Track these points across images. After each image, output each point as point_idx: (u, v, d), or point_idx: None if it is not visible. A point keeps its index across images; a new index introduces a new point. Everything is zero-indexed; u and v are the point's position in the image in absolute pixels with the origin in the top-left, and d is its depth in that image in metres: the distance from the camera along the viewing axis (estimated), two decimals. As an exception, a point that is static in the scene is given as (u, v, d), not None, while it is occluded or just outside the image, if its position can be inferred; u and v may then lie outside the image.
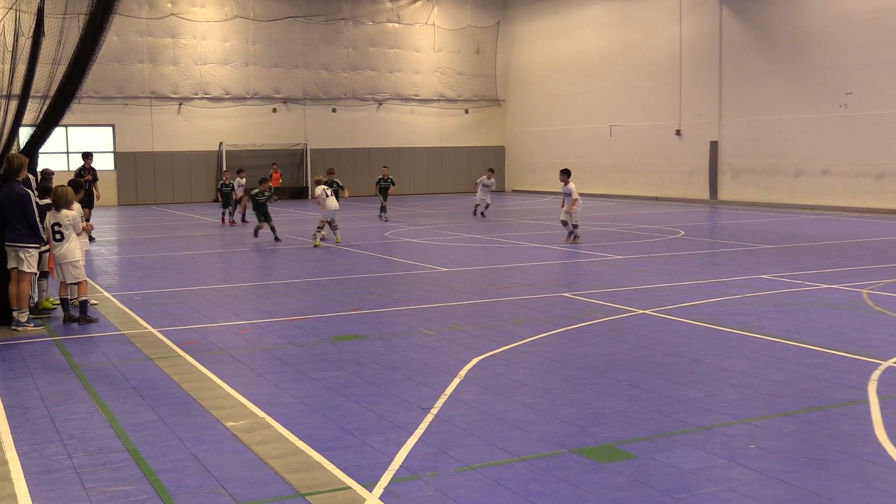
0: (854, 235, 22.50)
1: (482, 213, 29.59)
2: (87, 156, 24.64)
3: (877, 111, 29.65)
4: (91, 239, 23.00)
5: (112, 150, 38.62)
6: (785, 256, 18.33)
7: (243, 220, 28.38)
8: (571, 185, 20.81)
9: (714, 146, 35.64)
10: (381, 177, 29.99)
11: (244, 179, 29.47)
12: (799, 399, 8.11)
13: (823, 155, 31.50)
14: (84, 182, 23.29)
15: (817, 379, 8.77)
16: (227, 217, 28.11)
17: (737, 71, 34.52)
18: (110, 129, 38.78)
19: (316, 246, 20.99)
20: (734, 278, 15.39)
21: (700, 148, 36.13)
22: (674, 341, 10.59)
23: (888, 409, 7.73)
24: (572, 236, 21.00)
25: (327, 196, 21.50)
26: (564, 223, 21.19)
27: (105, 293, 14.74)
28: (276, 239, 21.91)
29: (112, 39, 34.48)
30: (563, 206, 21.24)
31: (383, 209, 29.31)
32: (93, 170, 24.24)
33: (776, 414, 7.67)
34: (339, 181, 24.71)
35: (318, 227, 21.72)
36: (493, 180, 30.40)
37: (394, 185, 30.02)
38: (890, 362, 9.32)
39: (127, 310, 13.16)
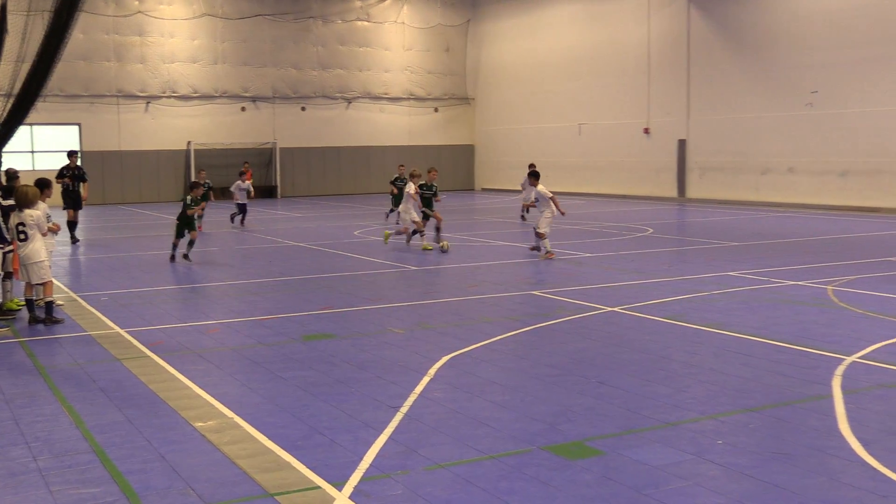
0: (819, 232, 22.72)
1: (522, 217, 27.36)
2: (71, 154, 23.58)
3: (841, 109, 29.95)
4: (75, 241, 22.38)
5: (78, 149, 38.20)
6: (751, 254, 18.47)
7: (242, 223, 26.60)
8: (542, 187, 18.65)
9: (682, 144, 35.86)
10: (396, 176, 27.67)
11: (247, 182, 27.03)
12: (765, 395, 8.18)
13: (789, 153, 31.79)
14: (65, 183, 22.62)
15: (783, 375, 8.86)
16: (200, 221, 25.94)
17: (704, 70, 34.75)
18: (76, 127, 38.43)
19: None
20: (702, 276, 15.49)
21: (668, 146, 36.35)
22: (642, 338, 10.65)
23: (852, 403, 7.81)
24: (545, 251, 18.09)
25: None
26: (541, 234, 18.10)
27: (71, 294, 14.60)
28: (185, 256, 18.50)
29: (78, 37, 34.13)
30: (536, 208, 18.89)
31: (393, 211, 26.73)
32: (79, 168, 23.31)
33: (742, 409, 7.73)
34: (436, 186, 21.12)
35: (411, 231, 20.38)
36: None
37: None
38: (854, 358, 9.43)
39: (94, 310, 13.05)
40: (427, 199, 20.47)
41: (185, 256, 18.41)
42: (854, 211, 29.03)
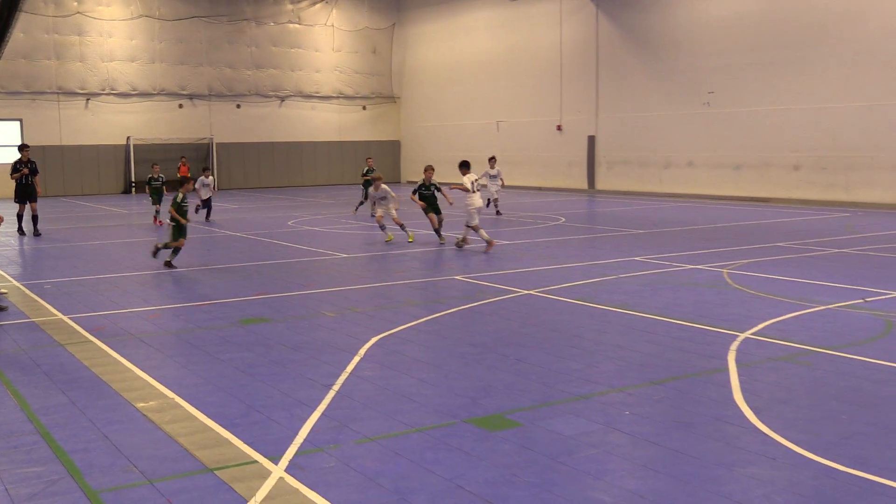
0: (715, 221, 23.17)
1: (497, 211, 25.14)
2: (23, 148, 21.92)
3: (735, 108, 30.58)
4: (36, 233, 21.16)
5: (18, 145, 37.13)
6: (655, 240, 18.76)
7: (207, 217, 24.68)
8: (467, 177, 17.64)
9: (591, 140, 36.24)
10: (367, 168, 26.15)
11: (210, 178, 24.85)
12: (668, 369, 8.33)
13: (689, 148, 32.37)
14: (20, 176, 21.18)
15: (684, 350, 9.03)
16: (159, 216, 23.51)
17: (612, 72, 35.15)
18: (18, 123, 37.32)
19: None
20: (610, 261, 15.68)
21: (579, 142, 36.70)
22: (556, 318, 10.76)
23: (745, 375, 8.01)
24: (486, 243, 17.22)
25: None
26: (475, 226, 17.29)
27: (14, 282, 14.22)
28: (168, 263, 15.51)
29: (18, 36, 33.13)
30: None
31: (363, 203, 25.83)
32: (32, 163, 21.61)
33: (647, 382, 7.86)
34: (436, 183, 18.69)
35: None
36: (497, 169, 25.69)
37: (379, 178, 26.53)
38: (746, 334, 9.65)
39: (37, 298, 12.72)
40: (428, 198, 18.42)
41: (168, 264, 15.43)
42: (746, 201, 29.69)
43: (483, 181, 24.32)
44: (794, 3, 28.57)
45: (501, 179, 26.04)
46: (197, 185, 24.64)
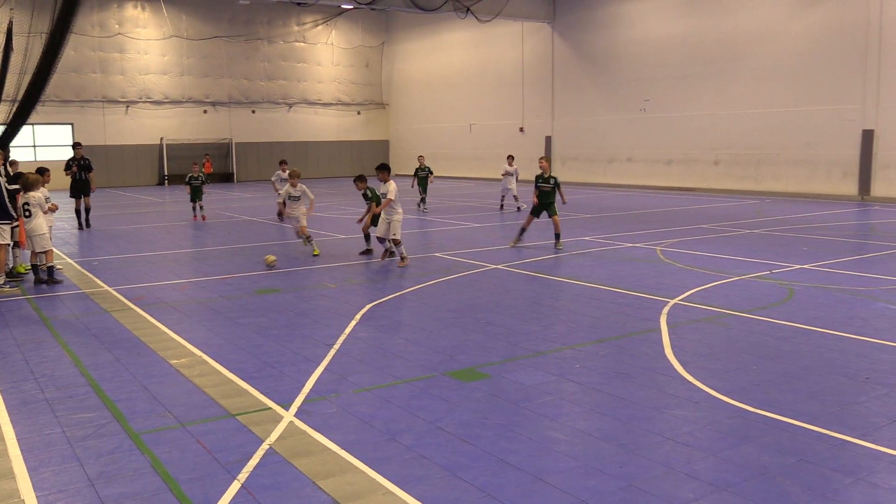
0: (650, 207, 23.24)
1: (502, 206, 22.48)
2: (76, 146, 19.80)
3: (667, 113, 30.62)
4: (87, 225, 19.05)
5: (71, 144, 36.65)
6: (600, 223, 18.81)
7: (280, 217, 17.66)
8: (388, 183, 12.94)
9: (548, 140, 36.20)
10: (418, 166, 22.73)
11: (286, 172, 19.46)
12: (611, 329, 8.38)
13: (628, 146, 32.40)
14: (74, 173, 19.31)
15: (624, 314, 9.08)
16: (198, 212, 20.84)
17: (565, 83, 35.08)
18: (70, 126, 36.83)
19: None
20: (563, 240, 15.69)
21: (538, 141, 36.65)
22: (518, 288, 10.78)
23: (674, 334, 8.07)
24: (389, 252, 13.27)
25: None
26: (398, 241, 12.80)
27: (68, 260, 14.08)
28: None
29: (69, 53, 32.64)
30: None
31: (423, 200, 22.42)
32: (85, 160, 19.51)
33: (594, 341, 7.91)
34: (556, 177, 14.74)
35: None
36: (514, 167, 22.32)
37: (431, 173, 22.53)
38: (676, 300, 9.72)
39: (87, 273, 12.62)
40: (546, 193, 14.40)
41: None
42: (676, 190, 29.80)
43: (503, 179, 22.20)
44: (715, 27, 28.59)
45: (517, 175, 22.70)
46: (274, 179, 21.16)
